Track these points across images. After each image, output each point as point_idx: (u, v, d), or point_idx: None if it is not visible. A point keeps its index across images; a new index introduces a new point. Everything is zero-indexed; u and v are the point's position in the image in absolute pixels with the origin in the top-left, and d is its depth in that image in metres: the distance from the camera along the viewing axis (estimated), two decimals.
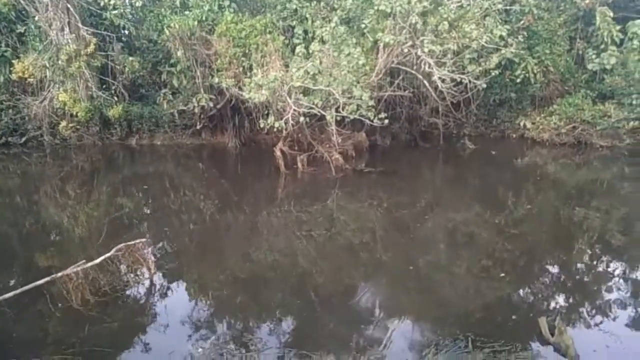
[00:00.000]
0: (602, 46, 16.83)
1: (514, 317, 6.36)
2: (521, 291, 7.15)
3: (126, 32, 17.65)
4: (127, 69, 16.83)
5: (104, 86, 17.29)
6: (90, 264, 6.60)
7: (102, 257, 6.77)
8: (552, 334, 5.60)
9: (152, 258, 7.40)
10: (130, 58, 16.81)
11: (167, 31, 15.29)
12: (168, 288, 7.28)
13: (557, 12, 18.04)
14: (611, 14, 16.77)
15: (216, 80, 15.25)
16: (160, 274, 7.57)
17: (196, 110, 16.39)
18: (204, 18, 15.57)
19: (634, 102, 15.85)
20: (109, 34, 16.89)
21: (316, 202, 11.42)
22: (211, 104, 16.11)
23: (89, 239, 9.22)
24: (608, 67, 16.72)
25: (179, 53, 15.56)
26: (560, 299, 6.86)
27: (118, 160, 16.71)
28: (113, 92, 17.35)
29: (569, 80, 17.96)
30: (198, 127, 17.43)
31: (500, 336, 5.63)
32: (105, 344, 5.64)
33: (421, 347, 5.55)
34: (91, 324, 6.03)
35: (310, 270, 7.95)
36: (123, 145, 17.85)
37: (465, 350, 5.38)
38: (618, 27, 16.57)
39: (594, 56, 17.00)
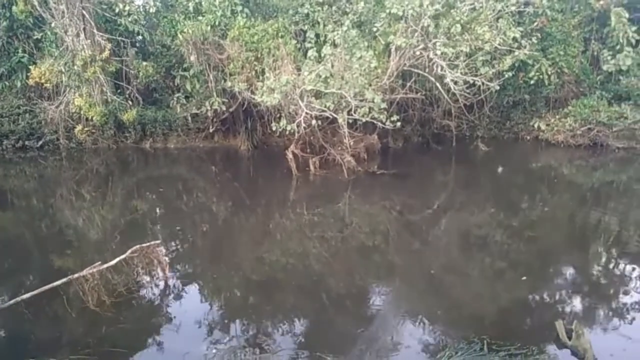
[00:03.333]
0: (618, 47, 16.62)
1: (530, 320, 6.29)
2: (537, 294, 7.05)
3: (140, 37, 17.83)
4: (141, 74, 17.01)
5: (119, 91, 17.50)
6: (105, 265, 6.67)
7: (117, 259, 6.83)
8: (570, 338, 5.52)
9: (166, 260, 7.44)
10: (144, 63, 17.00)
11: (180, 36, 15.45)
12: (182, 290, 7.33)
13: (571, 13, 17.86)
14: (626, 15, 16.56)
15: (229, 84, 15.35)
16: (174, 276, 7.62)
17: (209, 113, 16.51)
18: (216, 23, 15.70)
19: None
20: (123, 39, 17.10)
21: (328, 204, 11.42)
22: (224, 108, 16.21)
23: (104, 241, 9.33)
24: (624, 68, 16.52)
25: (192, 58, 15.70)
26: (577, 302, 6.77)
27: (132, 164, 16.89)
28: (127, 96, 17.55)
29: (584, 82, 17.75)
30: (211, 130, 17.54)
31: (516, 339, 5.56)
32: (121, 344, 5.70)
33: (436, 350, 5.51)
34: (107, 325, 6.10)
35: (323, 273, 7.94)
36: (137, 149, 18.04)
37: (480, 354, 5.32)
38: (634, 28, 16.37)
39: (609, 57, 16.79)
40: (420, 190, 12.68)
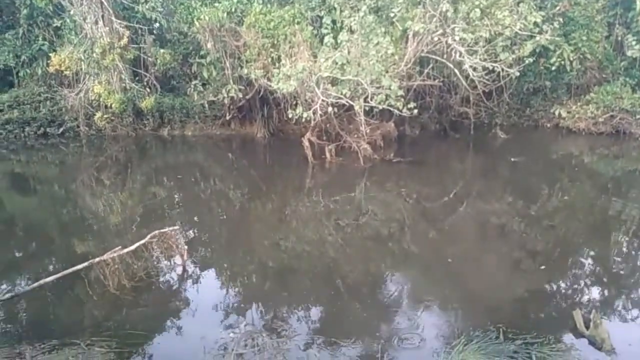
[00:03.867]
0: None
1: (547, 309, 6.24)
2: (555, 283, 6.99)
3: (157, 24, 17.90)
4: (158, 61, 17.13)
5: (137, 78, 17.68)
6: (125, 250, 6.81)
7: (137, 244, 6.96)
8: (587, 327, 5.47)
9: (184, 245, 7.56)
10: (162, 50, 17.11)
11: (197, 23, 15.48)
12: (199, 275, 7.45)
13: None
14: None
15: (245, 71, 15.37)
16: (192, 261, 7.75)
17: (226, 101, 16.59)
18: (233, 10, 15.67)
19: None
20: (141, 26, 17.21)
21: (344, 192, 11.43)
22: (240, 95, 16.26)
23: (123, 226, 9.50)
24: None
25: (209, 45, 15.74)
26: (596, 292, 6.69)
27: (151, 151, 17.10)
28: (145, 83, 17.72)
29: (607, 68, 17.30)
30: (227, 117, 17.64)
31: (533, 328, 5.54)
32: (140, 327, 5.83)
33: (451, 338, 5.51)
34: (127, 308, 6.25)
35: (338, 260, 7.98)
36: (155, 136, 18.24)
37: (496, 342, 5.31)
38: None
39: (633, 42, 16.31)
40: (437, 179, 12.59)
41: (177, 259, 7.55)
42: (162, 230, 7.27)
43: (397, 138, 15.51)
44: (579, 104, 16.71)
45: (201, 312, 6.32)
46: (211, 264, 7.93)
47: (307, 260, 7.98)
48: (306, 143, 13.72)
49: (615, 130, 15.77)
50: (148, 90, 17.57)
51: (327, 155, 13.81)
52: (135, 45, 17.20)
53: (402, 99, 12.30)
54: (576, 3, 16.48)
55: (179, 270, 7.43)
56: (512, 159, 13.82)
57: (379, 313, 6.19)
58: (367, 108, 12.70)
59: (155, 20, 17.36)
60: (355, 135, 13.86)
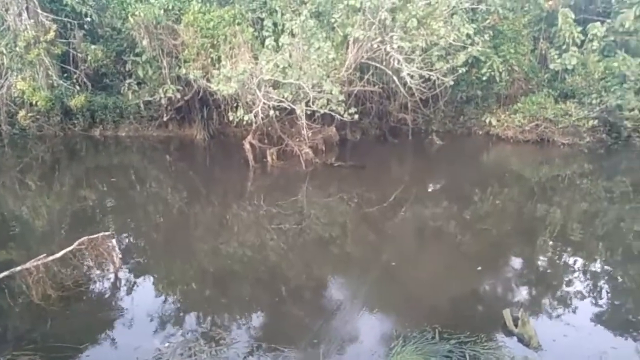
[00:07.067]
0: (564, 47, 17.39)
1: (480, 308, 6.54)
2: (487, 284, 7.34)
3: (88, 19, 16.96)
4: (89, 58, 16.26)
5: (65, 75, 16.67)
6: (51, 257, 6.37)
7: (63, 251, 6.55)
8: (516, 325, 5.77)
9: (117, 252, 7.19)
10: (93, 46, 16.26)
11: (131, 19, 14.85)
12: (134, 283, 7.12)
13: (522, 12, 18.49)
14: (572, 16, 17.34)
15: (183, 71, 14.95)
16: (126, 269, 7.39)
17: (163, 101, 16.04)
18: (170, 7, 15.21)
19: (593, 101, 16.50)
20: (70, 20, 16.26)
21: (286, 195, 11.38)
22: (178, 95, 15.80)
23: (50, 232, 8.92)
24: (569, 67, 17.30)
25: (145, 42, 15.15)
26: (524, 292, 7.08)
27: (81, 152, 16.16)
28: (75, 81, 16.74)
29: (533, 79, 18.48)
30: (165, 118, 17.07)
31: (467, 328, 5.75)
32: (68, 339, 5.48)
33: (390, 340, 5.62)
34: (53, 320, 5.85)
35: (280, 264, 7.93)
36: (86, 137, 17.28)
37: (432, 342, 5.48)
38: (579, 29, 17.16)
39: (556, 56, 17.54)
40: (377, 183, 12.85)
41: (110, 267, 7.17)
42: (92, 237, 6.88)
43: (339, 142, 15.69)
44: (507, 113, 17.70)
45: (135, 321, 6.03)
46: (147, 271, 7.59)
47: (249, 266, 7.85)
48: (247, 146, 13.54)
49: (540, 138, 16.85)
50: (78, 88, 16.60)
51: (269, 158, 13.71)
52: (64, 40, 16.22)
53: (343, 104, 12.47)
54: (505, 17, 17.47)
55: (112, 278, 7.06)
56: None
57: (320, 317, 6.19)
58: (309, 112, 12.75)
59: (86, 15, 16.45)
60: (297, 139, 13.86)
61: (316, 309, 6.47)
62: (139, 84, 16.70)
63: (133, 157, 15.76)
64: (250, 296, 6.85)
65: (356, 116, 12.61)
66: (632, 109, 16.06)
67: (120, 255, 7.24)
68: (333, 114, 12.58)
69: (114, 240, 7.62)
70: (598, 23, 17.69)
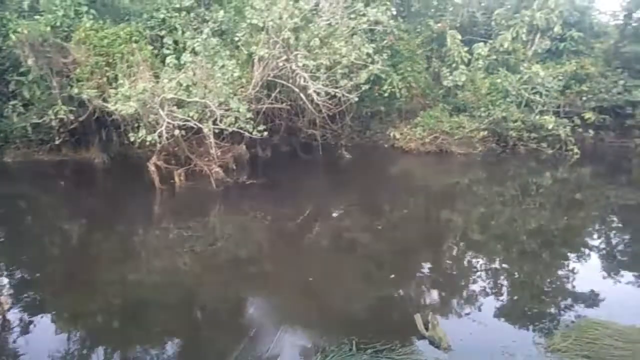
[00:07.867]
0: (454, 65, 18.92)
1: (394, 316, 6.72)
2: (400, 291, 7.58)
3: None
4: None
5: None
6: None
7: None
8: (427, 329, 5.96)
9: (7, 290, 6.35)
10: None
11: (13, 36, 13.56)
12: (30, 322, 6.31)
13: (415, 33, 19.87)
14: (459, 37, 18.96)
15: (76, 90, 13.88)
16: (19, 307, 6.56)
17: (54, 123, 14.68)
18: (58, 24, 14.12)
19: (482, 114, 18.08)
20: None
21: (197, 217, 10.94)
22: (72, 117, 14.58)
23: None
24: (460, 83, 18.84)
25: (30, 61, 13.88)
26: (434, 294, 7.42)
27: None
28: None
29: (429, 95, 19.83)
30: (57, 142, 15.62)
31: (382, 336, 5.82)
32: None
33: (309, 356, 5.54)
34: None
35: (194, 289, 7.53)
36: None
37: (349, 354, 5.48)
38: (465, 49, 18.77)
39: (447, 74, 19.02)
40: (291, 199, 12.84)
41: None
42: None
43: (250, 160, 15.47)
44: (409, 126, 18.77)
45: None
46: (43, 308, 6.78)
47: (160, 293, 7.35)
48: (152, 168, 12.84)
49: (439, 149, 18.04)
50: None
51: (177, 179, 13.13)
52: None
53: (252, 122, 12.35)
54: (400, 38, 18.61)
55: None
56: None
57: (239, 341, 5.92)
58: (217, 131, 12.44)
59: None
60: (206, 159, 13.43)
61: (235, 332, 6.21)
62: (25, 105, 15.20)
63: (22, 185, 14.21)
64: (163, 325, 6.41)
65: (265, 133, 12.56)
66: (516, 120, 17.86)
67: (8, 294, 6.40)
68: (242, 131, 12.40)
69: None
70: (482, 43, 19.52)
